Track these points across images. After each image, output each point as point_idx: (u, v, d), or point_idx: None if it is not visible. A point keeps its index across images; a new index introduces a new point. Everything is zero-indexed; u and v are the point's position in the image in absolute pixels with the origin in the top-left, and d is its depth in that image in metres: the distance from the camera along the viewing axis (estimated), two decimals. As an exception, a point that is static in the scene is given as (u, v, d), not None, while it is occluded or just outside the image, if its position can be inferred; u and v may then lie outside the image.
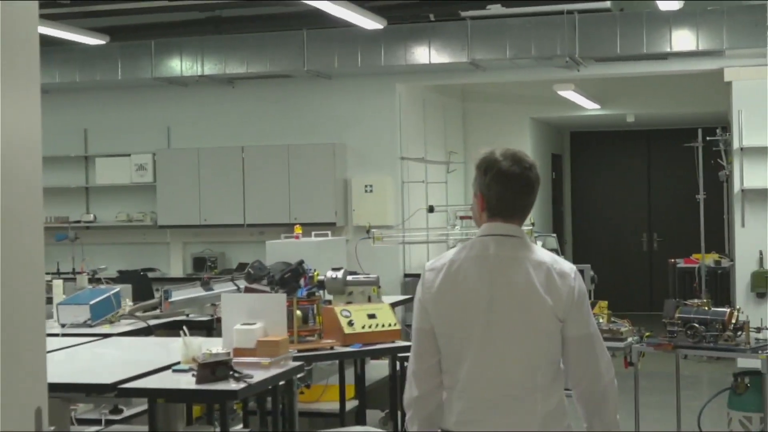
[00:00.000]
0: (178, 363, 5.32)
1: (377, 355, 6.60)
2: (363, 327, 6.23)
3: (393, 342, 6.35)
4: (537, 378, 3.32)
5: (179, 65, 11.63)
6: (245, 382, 4.96)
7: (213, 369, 4.97)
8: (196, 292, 7.93)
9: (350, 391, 7.40)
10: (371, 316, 6.32)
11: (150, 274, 12.09)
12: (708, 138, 11.47)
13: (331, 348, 6.13)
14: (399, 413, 7.45)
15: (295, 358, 5.69)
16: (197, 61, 11.55)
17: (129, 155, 12.60)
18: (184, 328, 5.48)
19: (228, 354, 5.20)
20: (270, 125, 12.34)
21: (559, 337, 3.35)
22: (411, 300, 9.72)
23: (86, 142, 12.99)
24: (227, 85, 12.37)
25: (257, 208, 11.96)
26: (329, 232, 8.85)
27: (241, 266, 11.08)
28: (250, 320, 5.52)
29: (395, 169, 12.03)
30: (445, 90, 13.60)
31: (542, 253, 3.44)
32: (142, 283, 11.03)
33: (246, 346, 5.43)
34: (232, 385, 4.92)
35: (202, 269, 12.17)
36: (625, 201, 16.91)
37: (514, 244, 3.41)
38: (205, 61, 11.54)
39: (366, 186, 11.93)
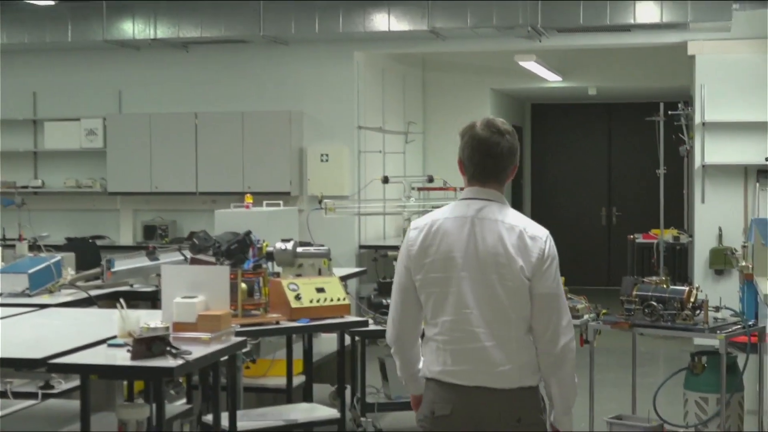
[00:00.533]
0: (115, 337, 5.08)
1: (325, 330, 6.38)
2: (311, 301, 6.01)
3: (342, 317, 6.13)
4: (511, 331, 3.65)
5: (131, 28, 11.29)
6: (183, 358, 4.72)
7: (149, 344, 4.73)
8: (140, 261, 7.67)
9: (298, 365, 7.19)
10: (320, 290, 6.09)
11: (99, 242, 11.83)
12: (670, 112, 11.31)
13: (277, 323, 5.90)
14: (349, 388, 7.28)
15: (239, 333, 5.47)
16: (150, 23, 11.22)
17: (79, 119, 12.22)
18: (121, 300, 5.22)
19: (167, 329, 4.97)
20: (224, 91, 12.03)
21: (528, 296, 3.65)
22: (365, 272, 9.53)
23: (35, 105, 12.60)
24: (181, 49, 12.03)
25: (210, 176, 11.68)
26: (281, 202, 8.60)
27: (193, 235, 10.81)
28: (192, 293, 5.28)
29: (352, 139, 11.78)
30: (405, 59, 13.35)
31: (516, 218, 3.73)
32: (90, 251, 10.78)
33: (186, 321, 5.18)
34: (170, 362, 4.68)
35: (153, 237, 11.89)
36: (585, 174, 16.77)
37: (491, 207, 3.72)
38: (158, 24, 11.22)
39: (322, 155, 11.68)
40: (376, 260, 8.66)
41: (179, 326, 5.14)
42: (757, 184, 10.99)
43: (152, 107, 12.10)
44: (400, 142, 13.14)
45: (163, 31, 11.22)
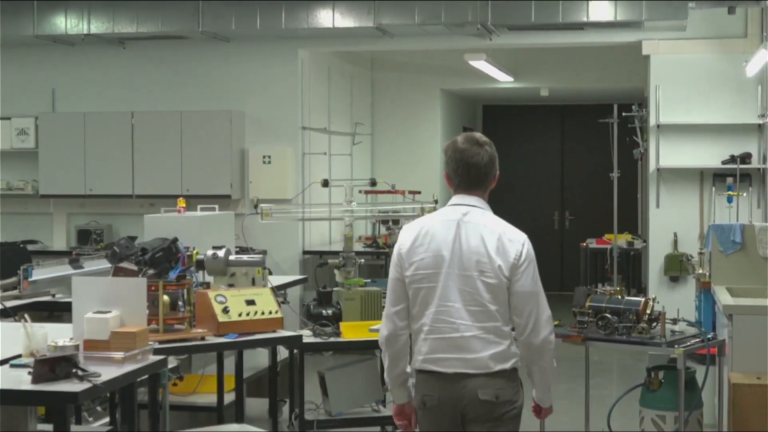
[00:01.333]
0: (20, 356, 4.61)
1: (254, 346, 5.91)
2: (240, 315, 5.55)
3: (274, 331, 5.67)
4: (490, 322, 4.09)
5: (64, 22, 10.76)
6: (90, 381, 4.25)
7: (52, 366, 4.26)
8: (62, 270, 7.17)
9: (231, 381, 6.74)
10: (250, 302, 5.63)
11: (31, 247, 11.26)
12: (624, 114, 10.97)
13: (202, 338, 5.44)
14: (287, 404, 6.85)
15: (159, 351, 5.01)
16: (83, 18, 10.69)
17: (9, 119, 11.62)
18: (26, 315, 4.75)
19: (76, 347, 4.51)
20: (162, 90, 11.52)
21: (507, 292, 4.09)
22: (305, 281, 9.07)
23: (-37, 103, 12.05)
24: (117, 45, 11.51)
25: (147, 178, 11.17)
26: (216, 206, 8.12)
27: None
28: (106, 307, 4.82)
29: (296, 140, 11.32)
30: (352, 58, 12.92)
31: (496, 222, 4.18)
32: (20, 257, 10.24)
33: (98, 338, 4.71)
34: (75, 386, 4.21)
35: (87, 243, 11.36)
36: (537, 178, 16.43)
37: (475, 212, 4.18)
38: (92, 19, 10.69)
39: (264, 157, 11.21)
40: (322, 266, 8.21)
41: (90, 344, 4.68)
42: (713, 188, 10.67)
43: (87, 106, 11.57)
44: (346, 144, 12.71)
45: (97, 26, 10.70)
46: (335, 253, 9.96)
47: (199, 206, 8.08)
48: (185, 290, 5.49)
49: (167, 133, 11.11)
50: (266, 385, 7.68)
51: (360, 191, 12.26)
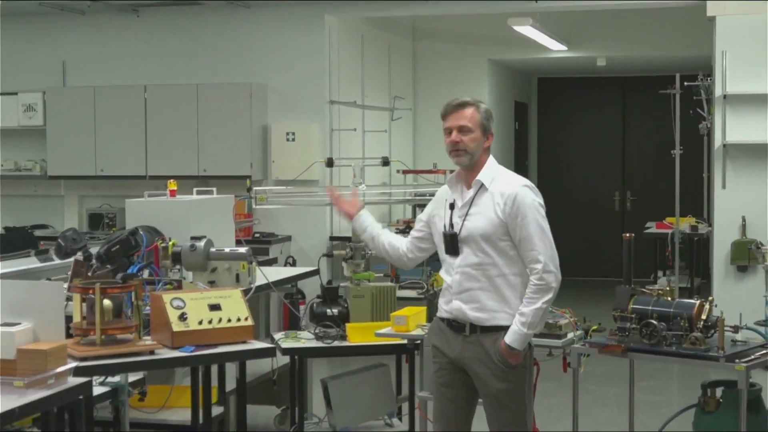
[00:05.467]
0: None
1: (214, 361, 4.93)
2: (200, 323, 4.59)
3: (244, 342, 4.69)
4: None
5: (69, -13, 9.90)
6: (-33, 418, 3.34)
7: None
8: (27, 263, 6.28)
9: (215, 392, 5.81)
10: (214, 308, 4.66)
11: (41, 232, 10.48)
12: (686, 83, 9.83)
13: (151, 352, 4.47)
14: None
15: (89, 370, 4.09)
16: (89, -18, 9.82)
17: (16, 93, 10.76)
18: None
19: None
20: (178, 61, 10.58)
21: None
22: (316, 273, 8.07)
23: (-33, 78, 11.22)
24: (131, 13, 10.61)
25: (162, 158, 10.26)
26: (214, 189, 7.17)
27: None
28: (17, 318, 3.91)
29: (323, 115, 10.32)
30: (389, 25, 11.89)
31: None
32: (25, 242, 9.47)
33: (5, 357, 3.82)
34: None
35: (99, 227, 10.53)
36: (596, 156, 15.26)
37: None
38: (99, -17, 9.82)
39: (288, 134, 10.26)
40: (332, 256, 7.22)
41: (-6, 364, 3.78)
42: (788, 167, 9.48)
43: (97, 79, 10.68)
44: (384, 120, 11.71)
45: (105, -10, 9.83)
46: (343, 240, 9.01)
47: (194, 189, 7.15)
48: (133, 293, 4.53)
49: (182, 108, 10.20)
50: (268, 392, 6.83)
51: (398, 171, 11.35)
